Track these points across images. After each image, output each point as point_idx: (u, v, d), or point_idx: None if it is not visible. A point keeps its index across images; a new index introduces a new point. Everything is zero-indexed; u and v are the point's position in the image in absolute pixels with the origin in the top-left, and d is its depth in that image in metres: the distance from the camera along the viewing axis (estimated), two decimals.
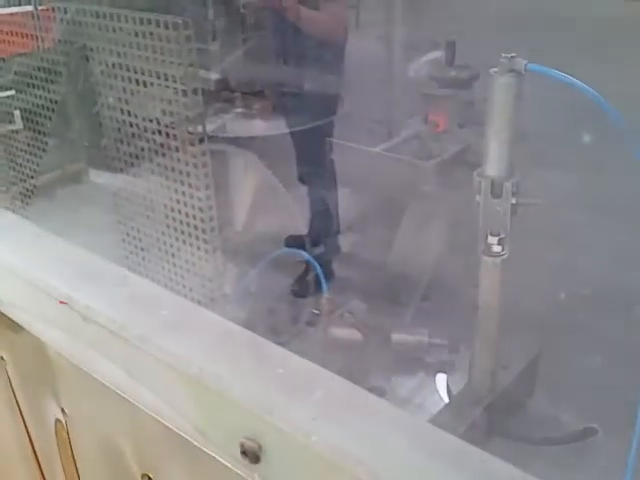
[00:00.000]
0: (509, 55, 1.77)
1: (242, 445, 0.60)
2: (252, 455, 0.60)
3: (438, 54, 2.45)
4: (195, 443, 0.64)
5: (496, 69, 1.79)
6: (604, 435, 2.12)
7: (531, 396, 2.34)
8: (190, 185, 1.69)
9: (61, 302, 0.75)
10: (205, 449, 0.64)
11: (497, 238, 1.90)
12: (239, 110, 2.86)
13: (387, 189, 2.58)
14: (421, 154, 2.42)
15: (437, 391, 2.35)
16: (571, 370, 2.34)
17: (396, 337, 2.45)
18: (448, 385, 2.35)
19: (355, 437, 0.59)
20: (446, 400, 2.29)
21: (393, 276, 2.71)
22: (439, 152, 2.40)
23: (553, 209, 2.26)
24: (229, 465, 0.61)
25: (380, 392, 2.36)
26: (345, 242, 3.21)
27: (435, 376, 2.41)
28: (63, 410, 0.86)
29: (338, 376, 0.65)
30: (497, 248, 1.91)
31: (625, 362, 2.26)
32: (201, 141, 1.65)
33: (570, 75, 1.65)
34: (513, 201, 1.87)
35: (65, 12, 1.82)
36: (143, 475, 0.76)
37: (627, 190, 2.67)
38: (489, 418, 2.13)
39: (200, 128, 1.65)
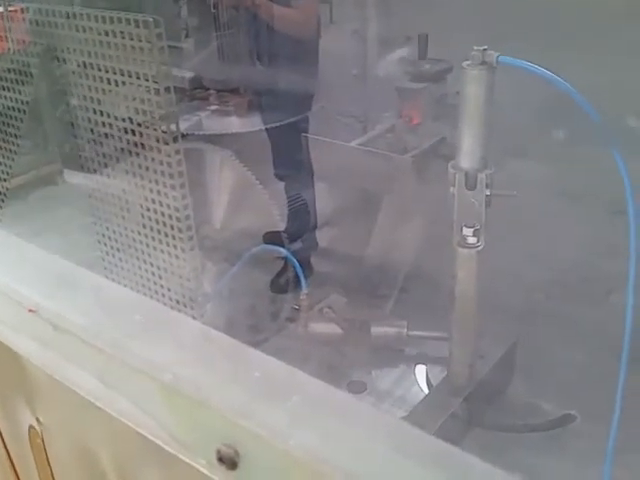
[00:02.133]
0: (481, 47, 1.77)
1: (219, 451, 0.60)
2: (229, 461, 0.60)
3: (406, 51, 2.45)
4: (171, 450, 0.64)
5: (468, 62, 1.79)
6: (583, 421, 2.16)
7: (509, 384, 2.37)
8: (165, 184, 1.68)
9: (30, 310, 0.75)
10: (181, 456, 0.64)
11: (472, 230, 1.91)
12: (214, 107, 2.85)
13: (363, 183, 2.58)
14: (396, 147, 2.42)
15: (417, 382, 2.36)
16: (548, 357, 2.37)
17: (375, 330, 2.45)
18: (428, 376, 2.36)
19: (334, 441, 0.59)
20: (426, 391, 2.31)
21: (371, 269, 2.71)
22: (414, 145, 2.40)
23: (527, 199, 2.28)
24: (206, 472, 0.61)
25: (360, 386, 2.37)
26: (323, 237, 3.21)
27: (414, 367, 2.42)
28: (38, 419, 0.85)
29: (316, 379, 0.65)
30: (472, 240, 1.92)
31: (601, 349, 2.29)
32: (175, 140, 1.64)
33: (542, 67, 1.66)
34: (487, 193, 1.88)
35: (35, 13, 1.80)
36: None
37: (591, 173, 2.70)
38: (468, 408, 2.15)
39: (174, 127, 1.64)
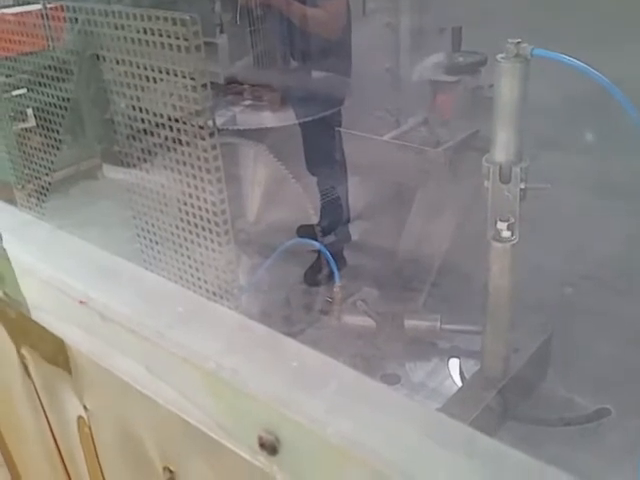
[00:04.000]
0: (515, 40, 1.77)
1: (260, 438, 0.62)
2: (270, 447, 0.62)
3: (441, 56, 2.45)
4: (214, 436, 0.67)
5: (502, 55, 1.79)
6: (617, 415, 2.14)
7: (544, 378, 2.36)
8: (202, 179, 1.71)
9: (80, 302, 0.77)
10: (224, 442, 0.66)
11: (506, 223, 1.90)
12: (248, 102, 2.87)
13: (396, 176, 2.59)
14: (429, 141, 2.42)
15: (450, 376, 2.37)
16: (583, 351, 2.35)
17: (409, 323, 2.46)
18: (461, 369, 2.36)
19: (369, 428, 0.61)
20: (459, 384, 2.31)
21: (404, 262, 2.72)
22: (447, 138, 2.40)
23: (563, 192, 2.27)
24: (248, 457, 0.63)
25: (394, 378, 2.39)
26: (356, 230, 3.22)
27: (448, 360, 2.42)
28: (85, 407, 0.89)
29: (351, 368, 0.66)
30: (506, 233, 1.92)
31: (637, 343, 2.27)
32: (211, 135, 1.67)
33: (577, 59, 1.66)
34: (522, 186, 1.88)
35: (74, 11, 1.84)
36: (164, 468, 0.79)
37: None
38: (502, 401, 2.15)
39: (210, 122, 1.67)
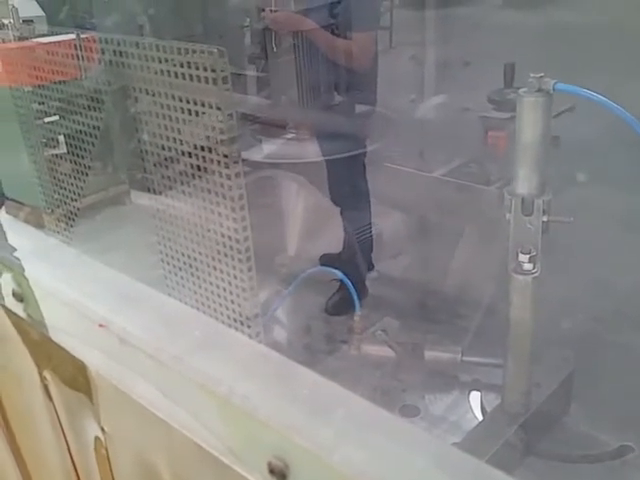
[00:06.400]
0: (537, 75, 1.78)
1: (270, 464, 0.63)
2: (279, 474, 0.63)
3: (442, 98, 2.45)
4: (225, 461, 0.68)
5: (525, 89, 1.80)
6: None
7: (566, 413, 2.32)
8: (225, 206, 1.74)
9: (100, 325, 0.79)
10: (235, 467, 0.67)
11: (528, 256, 1.90)
12: (285, 136, 2.86)
13: (445, 214, 2.55)
14: (479, 178, 2.38)
15: (471, 409, 2.34)
16: (606, 387, 2.32)
17: (429, 354, 2.45)
18: (482, 403, 2.34)
19: (376, 456, 0.61)
20: (480, 418, 2.28)
21: (452, 297, 2.66)
22: (498, 176, 2.36)
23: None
24: None
25: (414, 410, 2.37)
26: (397, 266, 3.17)
27: (469, 394, 2.40)
28: (103, 429, 0.90)
29: (361, 398, 0.67)
30: (528, 266, 1.91)
31: None
32: (235, 163, 1.70)
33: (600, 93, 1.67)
34: (544, 219, 1.87)
35: (105, 41, 1.89)
36: None
37: None
38: (523, 436, 2.12)
39: (235, 152, 1.70)
